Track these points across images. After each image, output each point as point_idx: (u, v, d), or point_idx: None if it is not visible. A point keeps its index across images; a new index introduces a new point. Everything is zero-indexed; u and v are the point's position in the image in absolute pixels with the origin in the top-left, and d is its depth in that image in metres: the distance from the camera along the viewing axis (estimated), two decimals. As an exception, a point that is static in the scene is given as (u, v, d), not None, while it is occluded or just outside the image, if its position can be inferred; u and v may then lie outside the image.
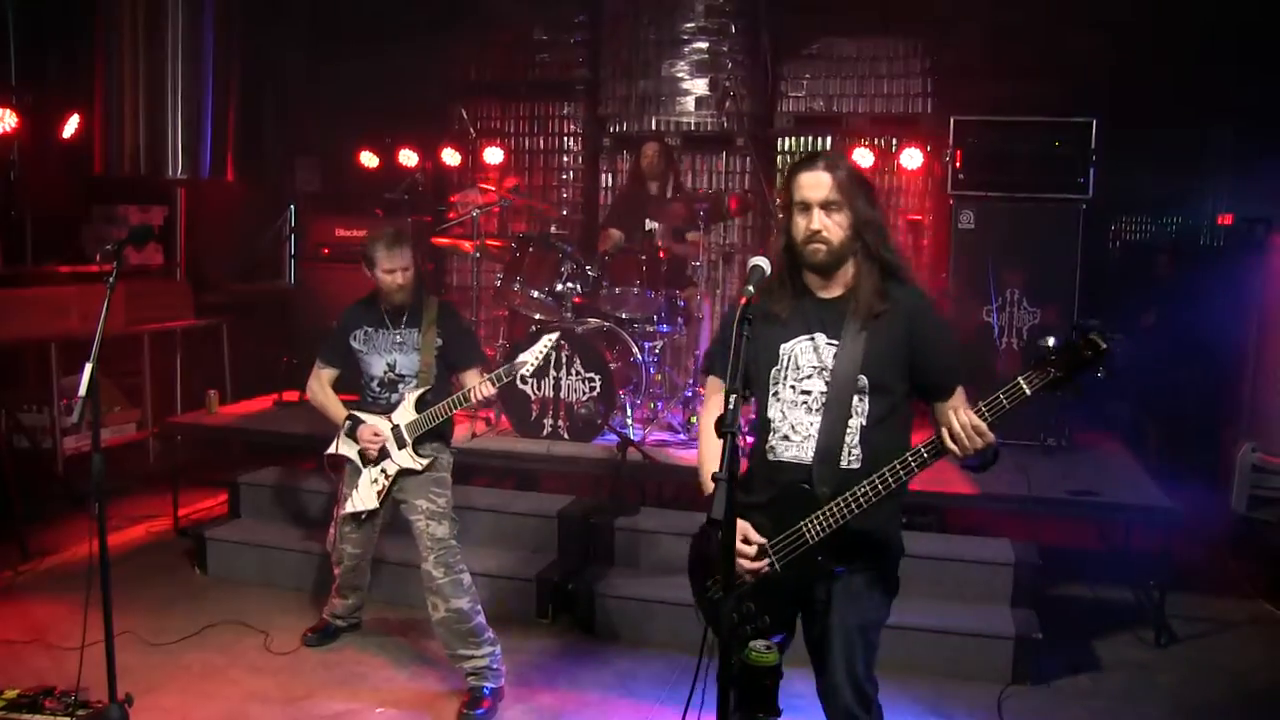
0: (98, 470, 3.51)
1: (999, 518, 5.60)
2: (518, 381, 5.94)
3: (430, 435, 4.44)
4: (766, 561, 2.63)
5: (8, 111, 6.89)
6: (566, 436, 5.97)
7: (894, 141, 7.95)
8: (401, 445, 4.41)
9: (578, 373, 5.90)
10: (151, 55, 7.54)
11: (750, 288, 2.45)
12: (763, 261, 2.58)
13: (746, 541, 2.63)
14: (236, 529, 5.93)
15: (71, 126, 7.45)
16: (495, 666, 4.33)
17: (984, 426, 2.45)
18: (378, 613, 5.14)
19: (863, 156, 7.66)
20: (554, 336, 4.37)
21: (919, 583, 4.95)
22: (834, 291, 2.74)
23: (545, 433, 6.00)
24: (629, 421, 6.09)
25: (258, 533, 5.82)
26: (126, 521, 6.49)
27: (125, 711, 3.69)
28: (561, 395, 5.95)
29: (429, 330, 4.45)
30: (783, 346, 2.73)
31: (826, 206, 2.64)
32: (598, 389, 5.88)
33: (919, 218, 7.60)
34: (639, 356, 6.22)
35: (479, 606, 4.37)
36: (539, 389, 5.97)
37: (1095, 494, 5.19)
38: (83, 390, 3.43)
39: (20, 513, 5.98)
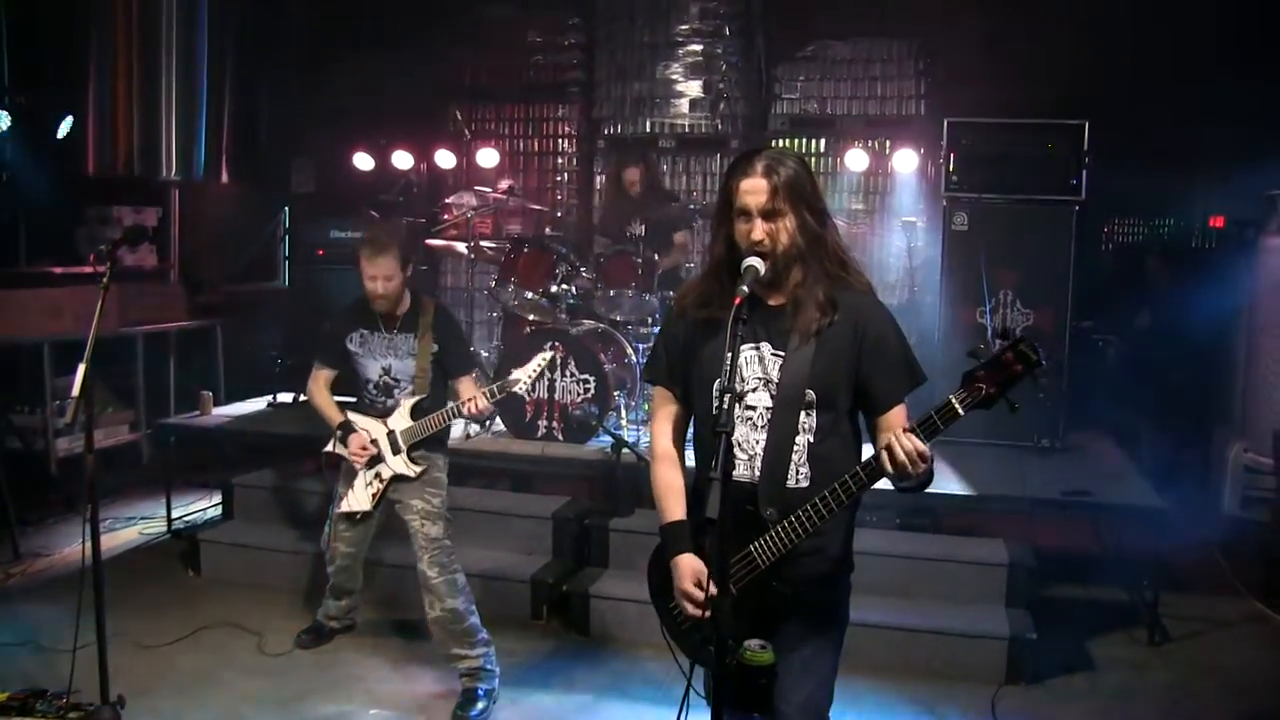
0: (91, 470, 3.51)
1: (993, 518, 5.61)
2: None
3: (425, 441, 4.44)
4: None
5: (1, 112, 6.87)
6: (561, 438, 5.97)
7: (888, 143, 7.96)
8: (396, 451, 4.41)
9: (572, 374, 5.90)
10: (146, 56, 7.54)
11: (744, 288, 2.41)
12: (757, 261, 2.48)
13: (699, 585, 2.49)
14: (230, 530, 5.92)
15: (65, 127, 7.43)
16: (490, 667, 4.33)
17: (926, 450, 2.32)
18: (372, 614, 5.14)
19: (857, 158, 7.67)
20: (549, 355, 4.39)
21: (914, 583, 4.98)
22: (780, 299, 2.60)
23: (540, 434, 6.00)
24: (624, 423, 6.09)
25: (251, 534, 5.81)
26: (120, 523, 6.50)
27: (117, 713, 3.67)
28: (556, 397, 5.95)
29: (425, 336, 4.42)
30: (728, 356, 2.52)
31: (768, 215, 2.50)
32: (592, 391, 5.88)
33: (913, 219, 7.60)
34: (633, 358, 6.22)
35: (474, 607, 4.37)
36: (533, 391, 5.96)
37: (1089, 494, 5.20)
38: (75, 390, 3.42)
39: (13, 514, 5.97)
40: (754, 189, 2.50)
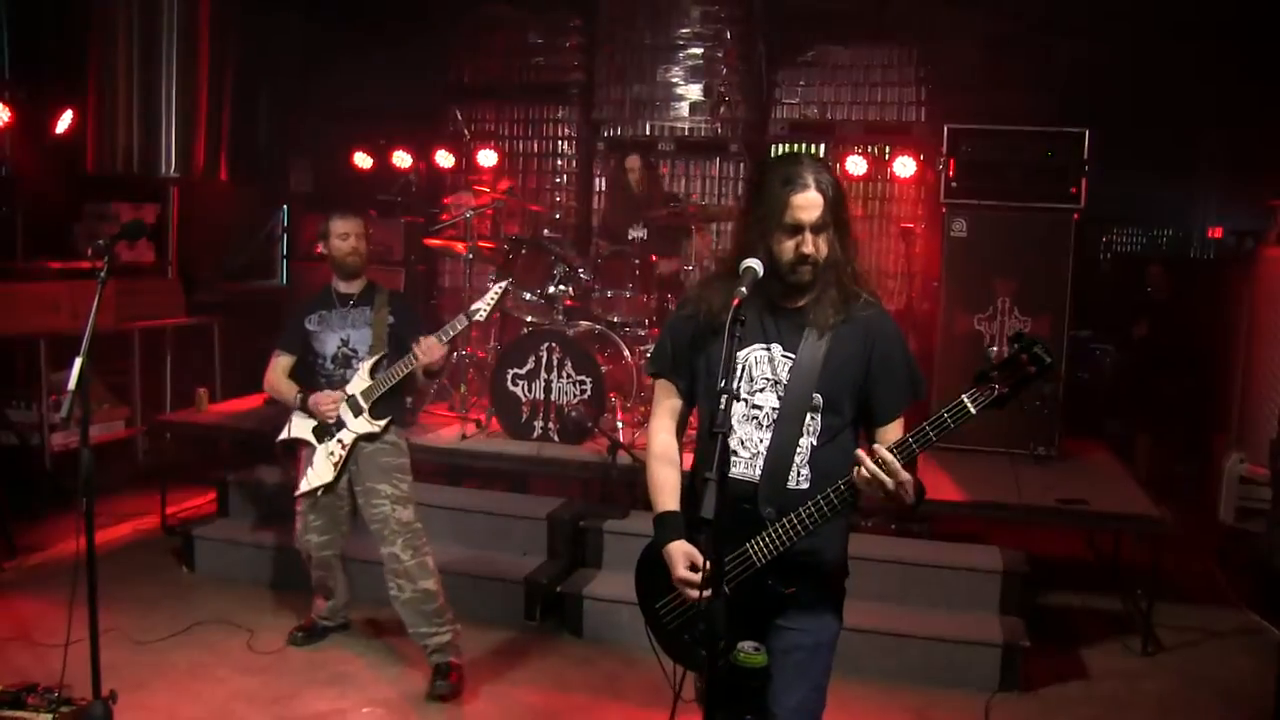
0: (86, 465, 3.49)
1: (988, 525, 5.62)
2: (506, 387, 5.94)
3: (384, 405, 4.49)
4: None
5: (0, 106, 6.86)
6: (557, 439, 5.96)
7: (887, 149, 7.97)
8: (358, 413, 4.47)
9: (569, 375, 5.89)
10: (146, 52, 7.51)
11: (743, 289, 2.42)
12: (755, 263, 2.50)
13: (694, 568, 2.51)
14: (225, 527, 5.91)
15: (65, 122, 7.42)
16: (457, 642, 4.45)
17: (897, 466, 2.33)
18: (365, 613, 5.12)
19: (856, 164, 7.68)
20: (504, 284, 4.49)
21: (908, 589, 4.98)
22: (796, 301, 2.63)
23: (535, 435, 5.99)
24: (620, 424, 6.08)
25: (246, 531, 5.80)
26: (114, 519, 6.47)
27: (109, 708, 3.66)
28: (552, 398, 5.94)
29: (381, 309, 4.57)
30: (738, 355, 2.60)
31: (817, 229, 2.52)
32: (589, 392, 5.87)
33: (911, 225, 7.61)
34: (630, 360, 6.22)
35: (442, 587, 4.46)
36: (530, 391, 5.97)
37: (1084, 503, 5.20)
38: (72, 384, 3.41)
39: (7, 509, 5.95)
40: (810, 204, 2.51)
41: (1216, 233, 8.96)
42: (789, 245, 2.53)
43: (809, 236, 2.52)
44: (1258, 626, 5.26)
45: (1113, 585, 5.65)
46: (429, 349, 4.29)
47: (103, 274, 3.57)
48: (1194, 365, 6.96)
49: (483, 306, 4.37)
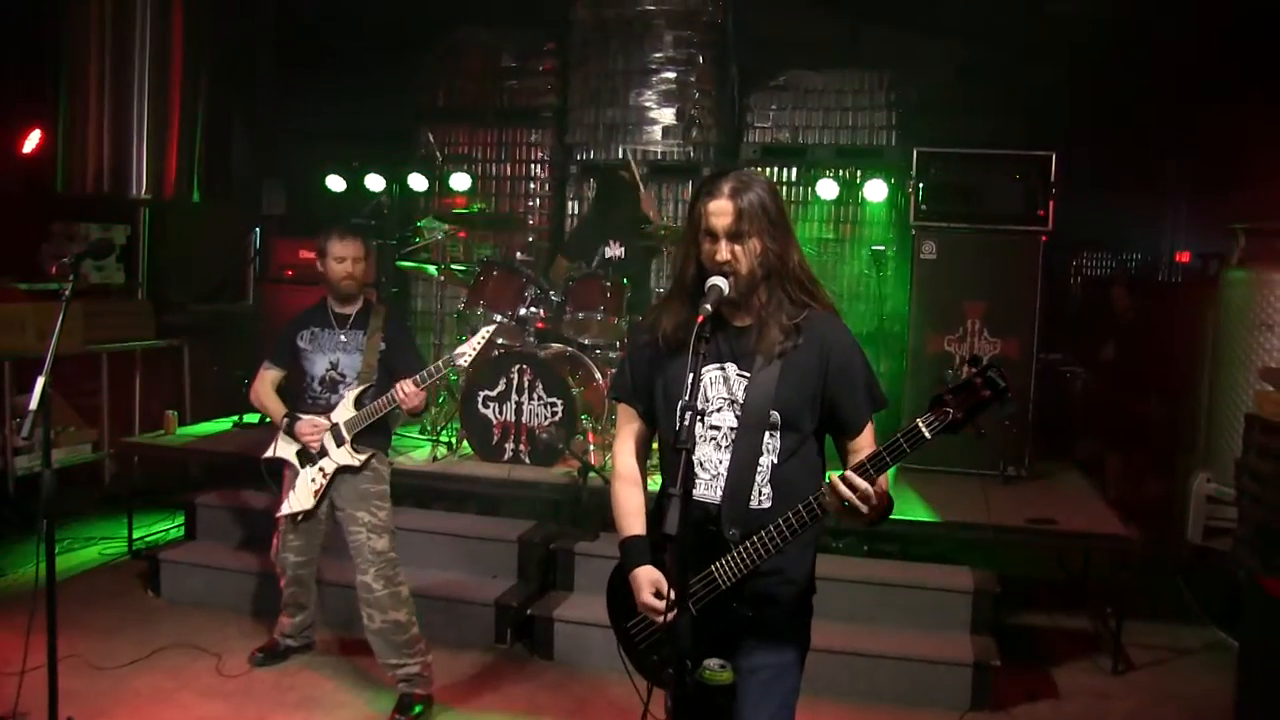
0: (48, 487, 3.44)
1: (959, 545, 5.64)
2: (477, 409, 5.93)
3: (368, 435, 4.46)
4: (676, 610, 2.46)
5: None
6: (527, 461, 5.94)
7: (858, 173, 8.03)
8: (340, 443, 4.43)
9: (540, 397, 5.88)
10: (117, 71, 7.49)
11: (707, 306, 2.42)
12: (721, 281, 2.49)
13: (659, 594, 2.49)
14: (191, 551, 5.84)
15: (32, 141, 7.37)
16: (426, 675, 4.40)
17: (869, 489, 2.32)
18: (332, 635, 5.09)
19: (827, 187, 7.72)
20: (490, 329, 4.46)
21: (879, 609, 4.98)
22: (746, 320, 2.61)
23: (506, 457, 5.97)
24: (590, 447, 6.07)
25: (213, 555, 5.74)
26: (79, 543, 6.36)
27: (67, 734, 3.60)
28: (523, 419, 5.93)
29: (374, 334, 4.51)
30: (689, 374, 2.52)
31: (733, 236, 2.51)
32: (560, 414, 5.86)
33: (882, 248, 7.66)
34: (601, 382, 6.21)
35: (414, 618, 4.42)
36: (501, 413, 5.94)
37: (1054, 522, 5.23)
38: (34, 404, 3.37)
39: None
40: (720, 211, 2.52)
41: (1184, 256, 9.08)
42: (709, 252, 2.55)
43: (723, 244, 2.52)
44: (1225, 644, 5.29)
45: (1082, 604, 5.68)
46: (409, 396, 4.24)
47: (68, 290, 3.54)
48: (1161, 387, 7.02)
49: (467, 352, 4.32)
